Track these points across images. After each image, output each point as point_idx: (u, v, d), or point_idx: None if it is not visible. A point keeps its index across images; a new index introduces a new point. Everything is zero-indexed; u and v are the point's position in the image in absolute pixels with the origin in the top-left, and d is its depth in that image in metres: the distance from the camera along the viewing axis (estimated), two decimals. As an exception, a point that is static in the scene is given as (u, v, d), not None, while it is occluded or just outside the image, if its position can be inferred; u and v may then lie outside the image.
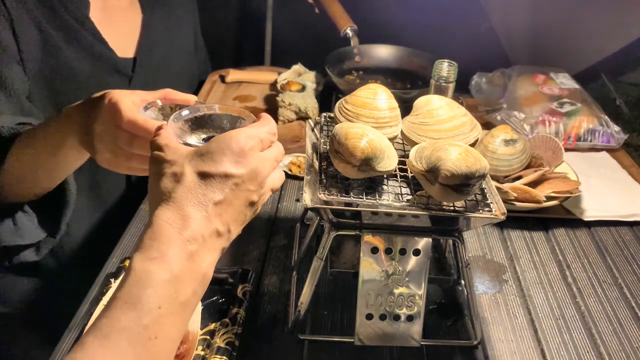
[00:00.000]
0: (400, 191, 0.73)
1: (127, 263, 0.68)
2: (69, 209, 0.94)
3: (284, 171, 1.20)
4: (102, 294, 0.85)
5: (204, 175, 0.54)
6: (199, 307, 0.78)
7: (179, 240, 0.52)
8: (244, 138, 0.57)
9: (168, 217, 0.52)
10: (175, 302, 0.50)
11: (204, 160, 0.55)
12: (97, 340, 0.46)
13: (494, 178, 1.03)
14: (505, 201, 0.91)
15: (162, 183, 0.55)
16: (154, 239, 0.51)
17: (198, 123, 0.64)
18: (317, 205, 0.69)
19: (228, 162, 0.55)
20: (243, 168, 0.56)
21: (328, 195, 0.70)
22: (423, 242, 0.74)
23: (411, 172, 0.74)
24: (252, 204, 0.58)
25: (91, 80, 1.18)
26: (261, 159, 0.58)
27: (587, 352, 0.83)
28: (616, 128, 1.39)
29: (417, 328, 0.78)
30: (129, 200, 1.30)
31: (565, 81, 1.51)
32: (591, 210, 1.13)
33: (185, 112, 0.64)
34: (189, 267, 0.52)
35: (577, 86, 1.49)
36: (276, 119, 1.39)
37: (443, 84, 0.84)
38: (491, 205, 0.71)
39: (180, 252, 0.51)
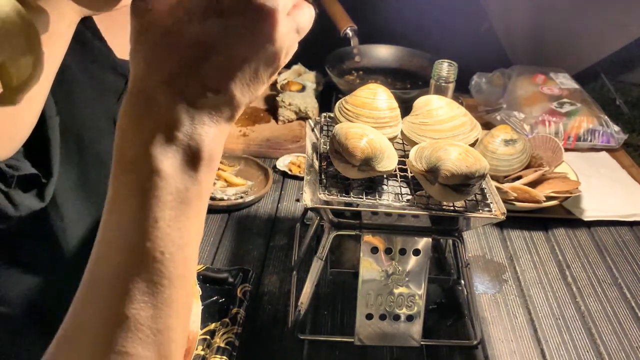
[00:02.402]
0: (400, 191, 0.73)
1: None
2: (55, 143, 0.95)
3: (284, 171, 1.20)
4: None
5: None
6: (199, 307, 0.78)
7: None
8: None
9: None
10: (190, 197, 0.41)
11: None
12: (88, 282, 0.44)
13: (494, 178, 1.03)
14: (505, 201, 0.91)
15: None
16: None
17: None
18: (317, 205, 0.69)
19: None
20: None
21: (328, 195, 0.70)
22: (423, 242, 0.74)
23: (411, 172, 0.74)
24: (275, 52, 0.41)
25: (86, 76, 1.19)
26: None
27: (587, 351, 0.83)
28: (616, 128, 1.39)
29: (417, 328, 0.78)
30: None
31: (565, 81, 1.51)
32: (591, 210, 1.13)
33: None
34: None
35: (577, 86, 1.49)
36: (276, 119, 1.39)
37: (443, 84, 0.85)
38: (491, 205, 0.71)
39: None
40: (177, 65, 0.39)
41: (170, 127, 0.39)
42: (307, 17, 0.45)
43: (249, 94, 0.41)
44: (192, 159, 0.40)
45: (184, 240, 0.40)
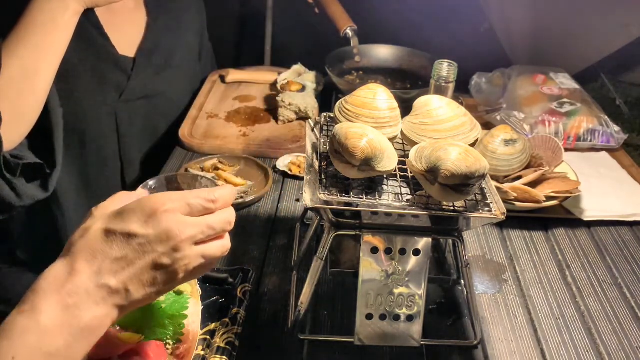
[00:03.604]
0: (400, 191, 0.73)
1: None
2: (59, 134, 0.96)
3: (284, 171, 1.20)
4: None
5: (107, 232, 0.54)
6: (199, 307, 0.78)
7: (56, 293, 0.52)
8: (161, 199, 0.55)
9: (56, 270, 0.53)
10: (37, 352, 0.50)
11: (115, 217, 0.55)
12: None
13: (494, 178, 1.03)
14: (505, 201, 0.91)
15: (72, 236, 0.56)
16: (32, 292, 0.52)
17: (167, 186, 0.65)
18: (317, 205, 0.69)
19: (136, 221, 0.54)
20: (151, 229, 0.54)
21: (328, 195, 0.70)
22: (423, 242, 0.74)
23: (411, 172, 0.74)
24: (161, 266, 0.54)
25: (90, 72, 1.19)
26: (180, 222, 0.54)
27: (587, 351, 0.83)
28: (616, 128, 1.39)
29: (417, 328, 0.78)
30: None
31: (565, 81, 1.51)
32: (591, 210, 1.13)
33: (153, 181, 0.65)
34: (63, 318, 0.51)
35: (577, 86, 1.49)
36: (276, 119, 1.39)
37: (443, 84, 0.85)
38: (491, 205, 0.71)
39: (54, 304, 0.51)
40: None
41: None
42: (216, 247, 0.58)
43: (140, 292, 0.55)
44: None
45: None
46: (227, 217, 0.58)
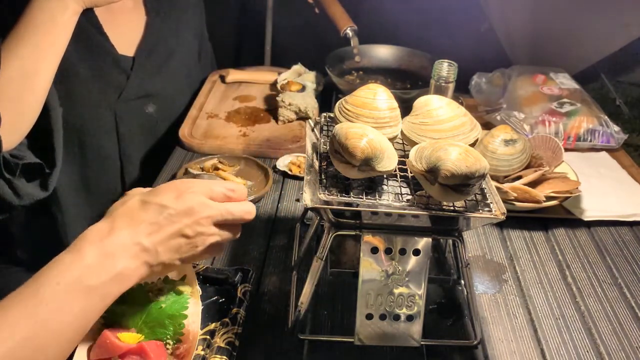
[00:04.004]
0: (400, 191, 0.73)
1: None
2: (59, 134, 0.97)
3: (284, 171, 1.21)
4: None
5: (144, 202, 0.66)
6: (199, 307, 0.78)
7: (98, 242, 0.62)
8: (190, 182, 0.67)
9: (98, 227, 0.64)
10: (78, 283, 0.60)
11: (150, 193, 0.67)
12: None
13: (494, 178, 1.03)
14: (505, 201, 0.91)
15: (113, 205, 0.67)
16: (79, 240, 0.63)
17: None
18: (317, 205, 0.69)
19: (167, 197, 0.65)
20: (179, 204, 0.65)
21: (328, 195, 0.70)
22: (423, 242, 0.74)
23: (411, 172, 0.74)
24: (185, 236, 0.65)
25: (89, 71, 1.19)
26: (202, 203, 0.66)
27: (587, 351, 0.83)
28: (616, 128, 1.39)
29: (417, 328, 0.78)
30: None
31: (565, 81, 1.51)
32: (591, 210, 1.13)
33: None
34: (102, 261, 0.61)
35: (576, 86, 1.49)
36: (276, 119, 1.39)
37: (443, 84, 0.85)
38: (491, 205, 0.71)
39: (95, 250, 0.61)
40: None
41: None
42: (231, 231, 0.69)
43: (167, 255, 0.65)
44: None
45: None
46: (246, 208, 0.69)
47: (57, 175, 0.99)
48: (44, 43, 0.91)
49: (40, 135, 0.96)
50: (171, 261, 0.66)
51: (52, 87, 0.97)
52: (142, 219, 0.64)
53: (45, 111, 0.96)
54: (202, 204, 0.66)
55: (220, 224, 0.67)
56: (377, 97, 0.78)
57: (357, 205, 0.69)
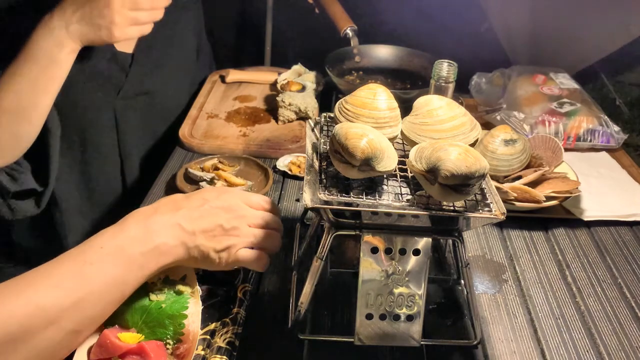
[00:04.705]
0: (400, 191, 0.73)
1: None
2: (55, 157, 0.99)
3: (284, 171, 1.21)
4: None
5: (188, 195, 0.75)
6: (199, 307, 0.78)
7: (142, 219, 0.70)
8: (230, 189, 0.79)
9: (144, 209, 0.72)
10: (120, 250, 0.66)
11: (194, 191, 0.77)
12: (48, 264, 0.65)
13: (494, 178, 1.03)
14: (505, 201, 0.91)
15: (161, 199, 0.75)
16: (124, 218, 0.70)
17: None
18: (317, 205, 0.69)
19: (209, 194, 0.75)
20: (219, 201, 0.74)
21: (328, 195, 0.70)
22: (423, 242, 0.74)
23: (411, 172, 0.74)
24: (222, 227, 0.72)
25: (88, 68, 1.19)
26: (240, 205, 0.75)
27: (587, 351, 0.84)
28: (616, 128, 1.39)
29: (417, 328, 0.78)
30: (125, 203, 1.30)
31: (564, 81, 1.51)
32: (591, 210, 1.13)
33: None
34: (142, 235, 0.68)
35: (576, 86, 1.49)
36: (276, 119, 1.39)
37: (443, 84, 0.85)
38: (491, 205, 0.71)
39: (138, 225, 0.69)
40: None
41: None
42: (267, 236, 0.78)
43: (204, 239, 0.72)
44: None
45: None
46: (272, 217, 0.78)
47: (50, 195, 1.02)
48: (42, 78, 0.95)
49: (38, 144, 0.98)
50: (207, 250, 0.72)
51: (52, 108, 0.98)
52: (185, 206, 0.72)
53: (45, 131, 0.98)
54: (239, 205, 0.74)
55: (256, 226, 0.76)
56: (377, 97, 0.78)
57: (357, 205, 0.69)
